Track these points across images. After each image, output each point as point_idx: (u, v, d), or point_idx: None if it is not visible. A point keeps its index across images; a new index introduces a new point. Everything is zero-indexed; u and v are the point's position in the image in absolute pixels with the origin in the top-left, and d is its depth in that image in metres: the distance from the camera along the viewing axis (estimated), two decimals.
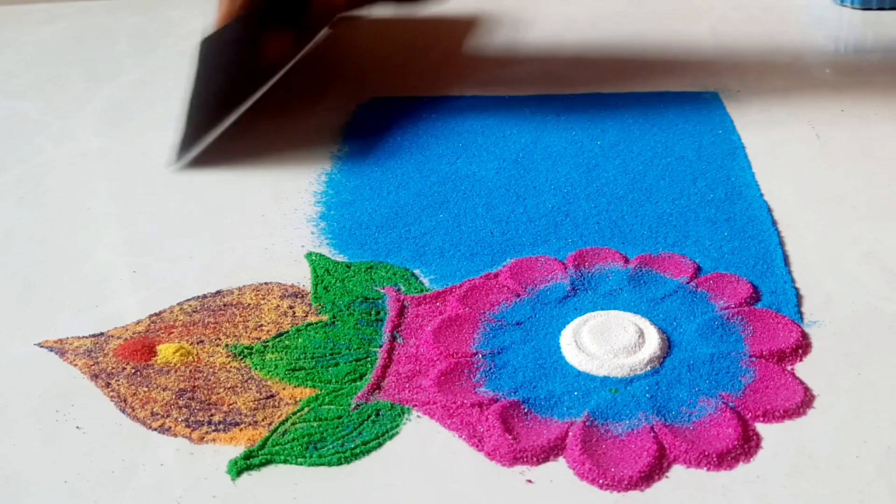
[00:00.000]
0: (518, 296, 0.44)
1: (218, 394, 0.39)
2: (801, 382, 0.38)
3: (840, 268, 0.45)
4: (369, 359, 0.40)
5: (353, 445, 0.36)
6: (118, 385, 0.40)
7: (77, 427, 0.38)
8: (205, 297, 0.45)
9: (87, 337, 0.43)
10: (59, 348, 0.42)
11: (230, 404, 0.38)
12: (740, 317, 0.41)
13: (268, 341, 0.42)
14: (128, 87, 0.73)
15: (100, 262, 0.49)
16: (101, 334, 0.43)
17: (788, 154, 0.56)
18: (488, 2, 0.89)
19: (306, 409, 0.38)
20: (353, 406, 0.38)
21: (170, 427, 0.37)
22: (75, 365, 0.41)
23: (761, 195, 0.51)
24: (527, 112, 0.62)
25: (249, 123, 0.66)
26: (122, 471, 0.35)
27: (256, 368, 0.40)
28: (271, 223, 0.52)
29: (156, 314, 0.44)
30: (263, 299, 0.45)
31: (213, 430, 0.37)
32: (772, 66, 0.70)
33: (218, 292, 0.46)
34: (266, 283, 0.46)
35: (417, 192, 0.54)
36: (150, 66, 0.78)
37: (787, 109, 0.62)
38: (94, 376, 0.40)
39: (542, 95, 0.65)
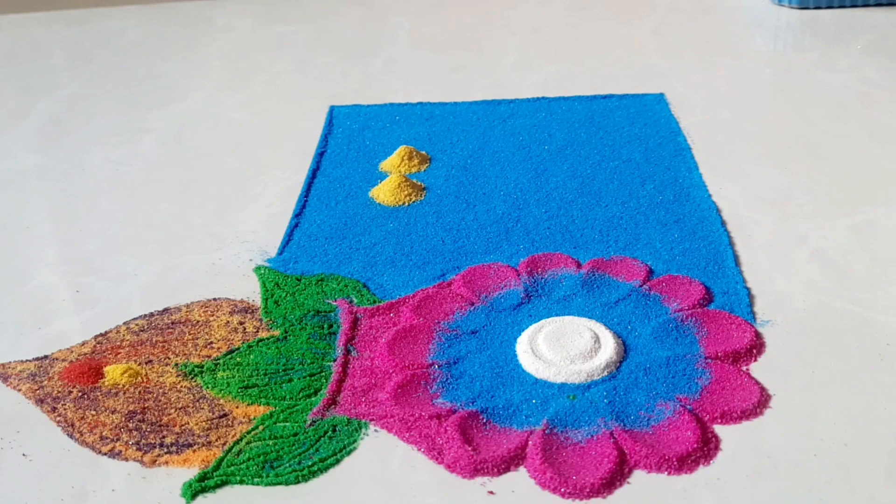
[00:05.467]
0: (472, 304, 0.43)
1: (169, 415, 0.38)
2: (757, 382, 0.38)
3: (789, 266, 0.45)
4: (323, 373, 0.40)
5: (310, 463, 0.35)
6: (65, 409, 0.39)
7: (23, 454, 0.36)
8: (152, 315, 0.44)
9: (30, 360, 0.42)
10: (2, 373, 0.41)
11: (182, 425, 0.37)
12: (694, 319, 0.41)
13: (219, 359, 0.41)
14: (64, 101, 0.72)
15: (41, 283, 0.48)
16: (46, 357, 0.42)
17: (734, 154, 0.56)
18: (429, 7, 0.89)
19: (261, 428, 0.37)
20: (308, 422, 0.37)
21: (120, 451, 0.36)
22: (19, 390, 0.40)
23: (709, 196, 0.51)
24: (473, 118, 0.62)
25: (191, 137, 0.64)
26: (71, 498, 0.34)
27: (208, 387, 0.39)
28: (218, 238, 0.51)
29: (101, 335, 0.43)
30: (213, 316, 0.44)
31: (166, 453, 0.36)
32: (713, 66, 0.70)
33: (165, 310, 0.45)
34: (215, 299, 0.45)
35: (366, 202, 0.53)
36: (87, 79, 0.76)
37: (731, 110, 0.62)
38: (40, 401, 0.39)
39: (488, 101, 0.65)
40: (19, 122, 0.68)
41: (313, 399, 0.38)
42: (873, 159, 0.55)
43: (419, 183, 0.54)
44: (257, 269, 0.47)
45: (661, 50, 0.74)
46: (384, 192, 0.53)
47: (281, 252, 0.49)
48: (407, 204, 0.53)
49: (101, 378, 0.40)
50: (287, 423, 0.37)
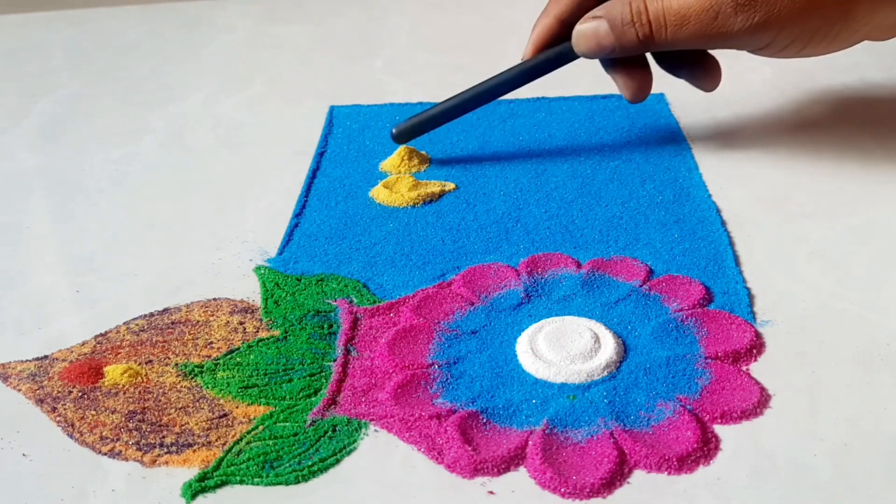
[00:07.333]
0: (472, 304, 0.43)
1: (169, 415, 0.38)
2: (757, 382, 0.38)
3: (789, 266, 0.45)
4: (323, 373, 0.40)
5: (310, 463, 0.35)
6: (65, 409, 0.39)
7: (23, 454, 0.37)
8: (152, 315, 0.44)
9: (30, 360, 0.42)
10: (2, 373, 0.41)
11: (182, 425, 0.37)
12: (694, 318, 0.41)
13: (218, 359, 0.41)
14: (64, 102, 0.72)
15: (41, 283, 0.48)
16: (45, 357, 0.42)
17: (734, 154, 0.56)
18: (429, 7, 0.89)
19: (261, 428, 0.37)
20: (308, 422, 0.37)
21: (120, 451, 0.36)
22: (19, 390, 0.40)
23: (709, 196, 0.51)
24: (473, 118, 0.62)
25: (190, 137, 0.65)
26: (71, 498, 0.34)
27: (208, 387, 0.39)
28: (218, 237, 0.51)
29: (101, 334, 0.43)
30: (212, 316, 0.44)
31: (166, 453, 0.36)
32: None
33: (165, 310, 0.45)
34: (215, 299, 0.45)
35: (365, 202, 0.53)
36: (87, 80, 0.76)
37: (731, 110, 0.62)
38: (40, 401, 0.39)
39: None
40: (19, 122, 0.68)
41: (313, 399, 0.38)
42: (873, 159, 0.55)
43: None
44: (257, 269, 0.47)
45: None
46: (384, 192, 0.53)
47: (281, 252, 0.49)
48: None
49: (101, 378, 0.40)
50: (287, 423, 0.37)
